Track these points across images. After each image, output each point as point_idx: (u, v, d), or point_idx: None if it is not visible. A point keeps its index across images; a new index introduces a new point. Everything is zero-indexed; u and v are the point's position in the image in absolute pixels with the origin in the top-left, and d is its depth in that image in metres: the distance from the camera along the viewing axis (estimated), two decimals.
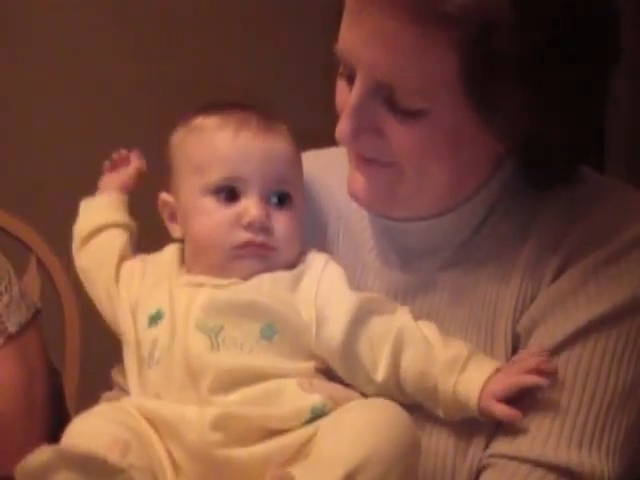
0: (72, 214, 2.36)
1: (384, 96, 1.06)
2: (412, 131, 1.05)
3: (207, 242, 1.13)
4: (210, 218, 1.13)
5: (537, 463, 1.04)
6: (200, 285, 1.12)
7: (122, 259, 1.21)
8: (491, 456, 1.07)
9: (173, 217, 1.20)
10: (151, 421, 1.07)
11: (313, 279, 1.13)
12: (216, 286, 1.12)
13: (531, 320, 1.09)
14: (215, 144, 1.14)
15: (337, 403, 1.05)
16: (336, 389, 1.09)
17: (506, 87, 1.02)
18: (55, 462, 0.99)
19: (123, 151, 1.31)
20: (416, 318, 1.10)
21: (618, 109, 1.14)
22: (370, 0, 1.02)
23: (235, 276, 1.12)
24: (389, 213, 1.16)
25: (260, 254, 1.12)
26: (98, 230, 1.25)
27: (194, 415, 1.04)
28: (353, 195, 1.15)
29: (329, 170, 1.27)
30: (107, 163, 1.31)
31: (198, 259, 1.16)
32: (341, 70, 1.11)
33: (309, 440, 1.04)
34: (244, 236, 1.12)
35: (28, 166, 2.56)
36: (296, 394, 1.06)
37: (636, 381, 1.06)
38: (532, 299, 1.10)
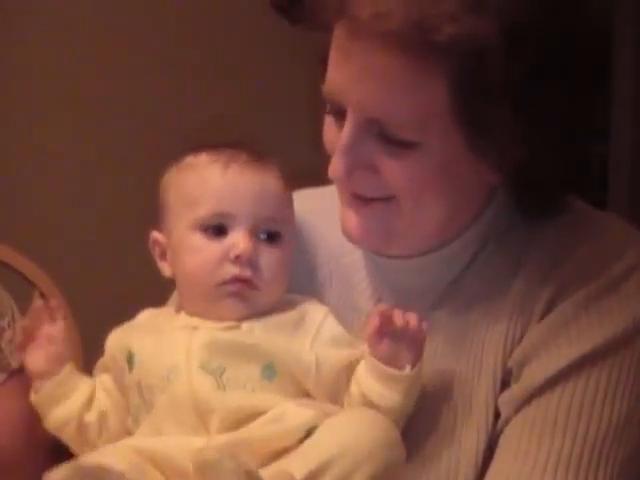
0: (76, 250, 2.39)
1: (376, 131, 1.06)
2: (406, 164, 1.06)
3: (195, 279, 1.14)
4: (198, 254, 1.13)
5: None
6: (195, 328, 1.13)
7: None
8: None
9: (163, 256, 1.20)
10: (154, 461, 1.07)
11: (312, 327, 1.13)
12: (213, 329, 1.12)
13: (523, 354, 1.09)
14: (205, 179, 1.15)
15: (329, 416, 1.07)
16: (330, 407, 1.10)
17: (496, 117, 1.02)
18: (75, 477, 1.02)
19: (39, 306, 1.20)
20: None
21: (621, 141, 1.15)
22: (359, 35, 1.02)
23: (221, 317, 1.12)
24: (384, 250, 1.16)
25: (244, 294, 1.13)
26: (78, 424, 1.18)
27: (200, 446, 1.05)
28: (347, 233, 1.14)
29: (320, 211, 1.27)
30: (21, 340, 1.20)
31: (188, 297, 1.17)
32: (328, 108, 1.11)
33: None
34: (231, 271, 1.12)
35: (32, 202, 2.56)
36: (295, 412, 1.07)
37: (630, 413, 1.07)
38: (522, 334, 1.10)
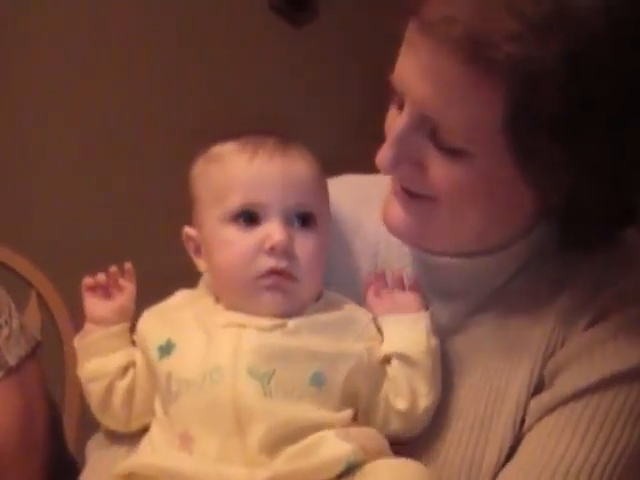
0: (73, 251, 2.38)
1: (428, 130, 1.05)
2: (451, 169, 1.05)
3: (231, 273, 1.10)
4: (232, 247, 1.10)
5: None
6: (242, 326, 1.09)
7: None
8: None
9: (198, 251, 1.16)
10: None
11: (359, 328, 1.11)
12: (260, 328, 1.08)
13: (557, 364, 1.09)
14: (231, 170, 1.11)
15: (367, 453, 1.04)
16: (369, 437, 1.07)
17: (546, 144, 1.01)
18: None
19: (114, 270, 1.19)
20: (445, 360, 1.12)
21: None
22: (429, 33, 1.01)
23: (260, 312, 1.09)
24: (419, 245, 1.15)
25: (282, 287, 1.09)
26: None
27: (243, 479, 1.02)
28: (386, 221, 1.14)
29: (368, 200, 1.24)
30: (90, 281, 1.19)
31: (226, 292, 1.12)
32: (394, 98, 1.10)
33: None
34: (267, 263, 1.08)
35: (30, 202, 2.56)
36: (334, 444, 1.04)
37: None
38: (561, 346, 1.10)
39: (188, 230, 1.17)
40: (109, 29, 2.60)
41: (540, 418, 1.08)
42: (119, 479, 1.08)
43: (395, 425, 1.10)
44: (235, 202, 1.10)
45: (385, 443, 1.08)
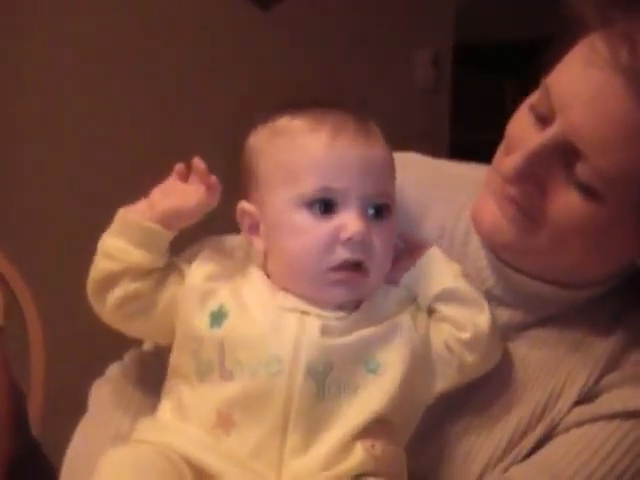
0: (37, 234, 2.36)
1: (567, 159, 1.00)
2: (576, 206, 1.01)
3: (301, 262, 1.03)
4: (305, 235, 1.02)
5: None
6: (305, 313, 1.03)
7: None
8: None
9: (254, 229, 1.07)
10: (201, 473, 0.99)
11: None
12: (324, 318, 1.03)
13: (609, 382, 1.08)
14: (310, 150, 1.03)
15: (379, 466, 1.01)
16: (389, 455, 1.03)
17: None
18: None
19: (201, 166, 1.08)
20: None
21: None
22: (627, 65, 0.95)
23: (322, 302, 1.03)
24: (504, 256, 1.11)
25: (352, 282, 1.03)
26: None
27: None
28: (477, 220, 1.09)
29: (432, 188, 1.19)
30: (181, 167, 1.08)
31: (289, 278, 1.05)
32: (533, 101, 1.04)
33: None
34: (342, 255, 1.02)
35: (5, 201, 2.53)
36: (357, 457, 1.00)
37: None
38: (617, 368, 1.09)
39: (245, 205, 1.07)
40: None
41: (580, 424, 1.07)
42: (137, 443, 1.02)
43: (470, 360, 1.07)
44: (312, 185, 1.02)
45: (401, 459, 1.05)
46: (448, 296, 1.07)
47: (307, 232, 1.02)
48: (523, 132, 1.04)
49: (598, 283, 1.11)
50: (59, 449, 1.16)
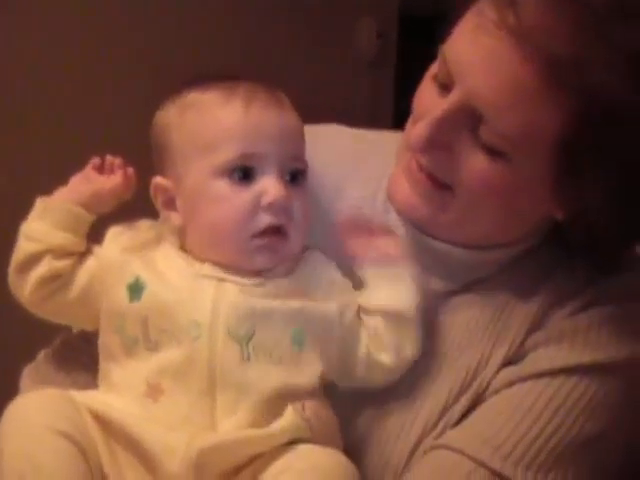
0: None
1: (472, 122, 1.02)
2: (484, 167, 1.03)
3: (225, 231, 1.05)
4: (226, 203, 1.04)
5: (482, 464, 1.04)
6: (222, 280, 1.05)
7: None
8: (437, 446, 1.06)
9: (170, 204, 1.09)
10: (117, 434, 0.99)
11: (328, 283, 1.10)
12: (241, 284, 1.05)
13: (535, 342, 1.09)
14: (225, 119, 1.05)
15: (313, 432, 1.03)
16: (321, 418, 1.04)
17: (594, 168, 0.99)
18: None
19: (116, 160, 1.15)
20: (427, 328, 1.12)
21: None
22: (507, 25, 0.96)
23: (245, 268, 1.06)
24: (424, 229, 1.13)
25: (275, 247, 1.05)
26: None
27: (182, 448, 0.98)
28: (392, 198, 1.11)
29: (352, 160, 1.20)
30: (97, 160, 1.15)
31: (211, 249, 1.07)
32: (435, 71, 1.06)
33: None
34: (264, 220, 1.05)
35: None
36: (288, 418, 1.02)
37: (603, 434, 1.07)
38: (543, 327, 1.11)
39: (160, 181, 1.09)
40: None
41: (506, 385, 1.07)
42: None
43: (378, 378, 1.10)
44: (230, 153, 1.04)
45: (333, 423, 1.06)
46: (394, 318, 1.07)
47: (228, 200, 1.04)
48: (428, 102, 1.06)
49: (518, 242, 1.13)
50: None
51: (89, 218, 1.12)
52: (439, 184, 1.07)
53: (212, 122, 1.05)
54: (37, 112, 2.45)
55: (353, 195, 1.18)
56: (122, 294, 1.05)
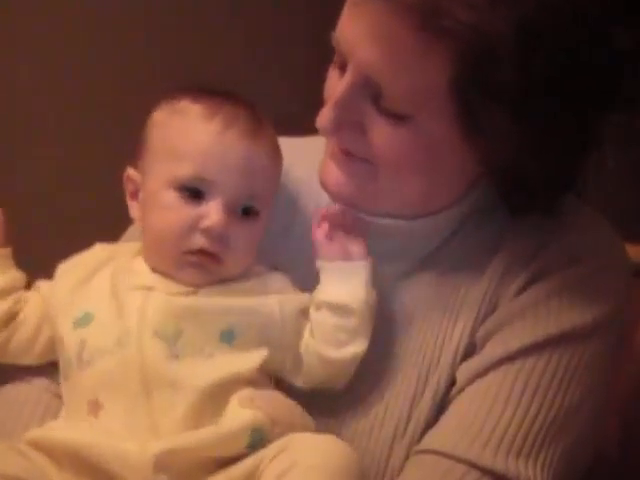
0: None
1: (372, 94, 1.04)
2: (393, 134, 1.04)
3: (162, 239, 1.08)
4: (169, 215, 1.07)
5: (473, 465, 1.04)
6: (150, 289, 1.08)
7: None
8: (422, 451, 1.05)
9: (135, 195, 1.14)
10: (68, 454, 1.00)
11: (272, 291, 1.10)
12: (169, 292, 1.08)
13: (488, 329, 1.10)
14: (197, 136, 1.08)
15: (276, 422, 1.01)
16: (277, 404, 1.04)
17: (493, 113, 1.00)
18: None
19: None
20: (382, 317, 1.11)
21: None
22: None
23: (179, 281, 1.08)
24: (358, 207, 1.14)
25: (205, 266, 1.07)
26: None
27: (136, 455, 0.97)
28: (324, 184, 1.14)
29: (302, 163, 1.22)
30: None
31: (150, 251, 1.11)
32: (335, 58, 1.09)
33: (254, 470, 0.99)
34: (199, 242, 1.07)
35: None
36: (235, 413, 1.01)
37: (580, 403, 1.07)
38: (493, 311, 1.11)
39: (131, 171, 1.13)
40: None
41: (472, 381, 1.07)
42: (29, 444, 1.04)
43: (320, 373, 1.10)
44: (187, 171, 1.07)
45: (296, 410, 1.05)
46: (340, 311, 1.07)
47: (172, 212, 1.07)
48: (331, 87, 1.09)
49: (460, 201, 1.14)
50: None
51: (7, 252, 1.15)
52: (360, 159, 1.09)
53: (187, 134, 1.08)
54: (37, 112, 2.45)
55: (314, 192, 1.21)
56: (67, 326, 1.08)
